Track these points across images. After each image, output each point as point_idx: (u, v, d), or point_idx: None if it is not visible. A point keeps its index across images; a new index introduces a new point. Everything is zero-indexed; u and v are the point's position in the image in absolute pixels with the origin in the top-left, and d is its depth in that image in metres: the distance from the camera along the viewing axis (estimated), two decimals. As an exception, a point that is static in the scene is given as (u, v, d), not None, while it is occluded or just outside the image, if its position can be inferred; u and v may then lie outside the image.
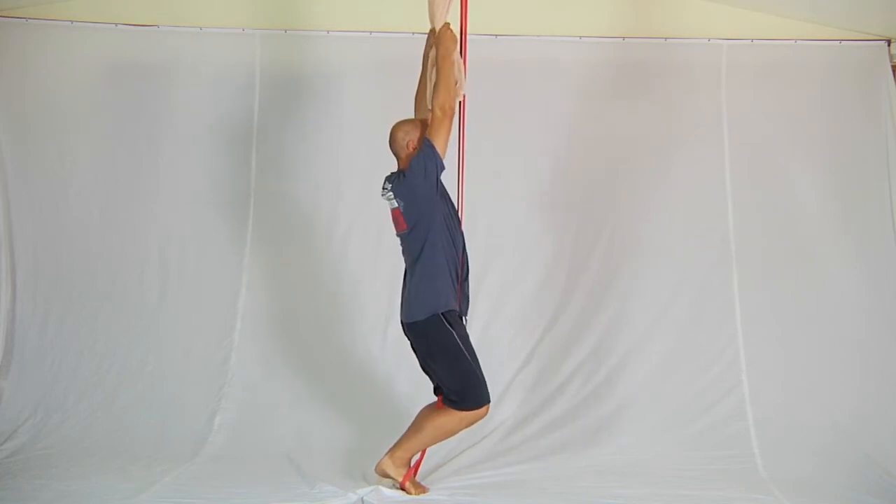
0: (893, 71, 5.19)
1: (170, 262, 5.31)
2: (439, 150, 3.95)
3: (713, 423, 4.88)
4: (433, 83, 4.09)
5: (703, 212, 5.28)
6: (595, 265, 5.28)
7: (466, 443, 4.73)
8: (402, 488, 4.10)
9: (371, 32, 5.34)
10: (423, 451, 4.23)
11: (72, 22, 5.30)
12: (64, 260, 5.28)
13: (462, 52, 4.11)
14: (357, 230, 5.33)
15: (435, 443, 4.23)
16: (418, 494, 4.09)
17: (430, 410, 4.16)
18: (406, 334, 4.10)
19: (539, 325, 5.25)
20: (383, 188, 4.11)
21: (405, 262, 4.10)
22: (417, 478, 4.21)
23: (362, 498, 4.11)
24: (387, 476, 4.14)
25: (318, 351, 5.23)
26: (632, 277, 5.24)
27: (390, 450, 4.16)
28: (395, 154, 4.14)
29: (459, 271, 4.07)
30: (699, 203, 5.29)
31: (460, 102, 4.13)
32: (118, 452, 4.67)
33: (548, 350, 5.20)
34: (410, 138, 4.04)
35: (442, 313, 3.97)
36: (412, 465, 4.18)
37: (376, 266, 5.28)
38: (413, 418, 4.25)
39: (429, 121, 4.08)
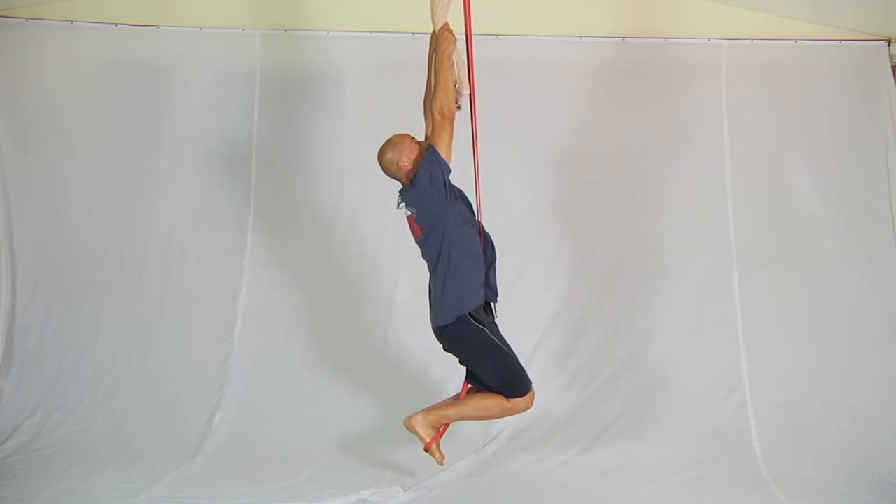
0: (893, 71, 5.19)
1: (170, 262, 5.31)
2: (443, 153, 3.93)
3: (715, 424, 4.88)
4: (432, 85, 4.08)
5: (703, 212, 5.28)
6: (596, 266, 5.28)
7: (471, 444, 4.75)
8: (427, 450, 4.09)
9: (371, 32, 5.34)
10: (449, 423, 4.18)
11: (72, 22, 5.29)
12: (64, 260, 5.28)
13: (468, 52, 4.09)
14: (357, 230, 5.33)
15: (472, 420, 4.24)
16: (440, 460, 4.10)
17: (477, 391, 4.12)
18: (438, 339, 4.06)
19: (539, 327, 5.25)
20: (397, 200, 4.08)
21: (428, 267, 4.06)
22: None
23: (364, 499, 4.12)
24: (413, 432, 4.09)
25: (319, 350, 5.22)
26: (632, 278, 5.24)
27: (426, 409, 4.12)
28: (395, 178, 4.09)
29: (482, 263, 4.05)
30: (699, 203, 5.28)
31: (471, 99, 4.10)
32: (118, 452, 4.68)
33: (549, 352, 5.20)
34: (398, 158, 3.99)
35: (469, 313, 3.96)
36: (439, 431, 4.14)
37: (376, 266, 5.28)
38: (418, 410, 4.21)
39: (427, 127, 4.07)
